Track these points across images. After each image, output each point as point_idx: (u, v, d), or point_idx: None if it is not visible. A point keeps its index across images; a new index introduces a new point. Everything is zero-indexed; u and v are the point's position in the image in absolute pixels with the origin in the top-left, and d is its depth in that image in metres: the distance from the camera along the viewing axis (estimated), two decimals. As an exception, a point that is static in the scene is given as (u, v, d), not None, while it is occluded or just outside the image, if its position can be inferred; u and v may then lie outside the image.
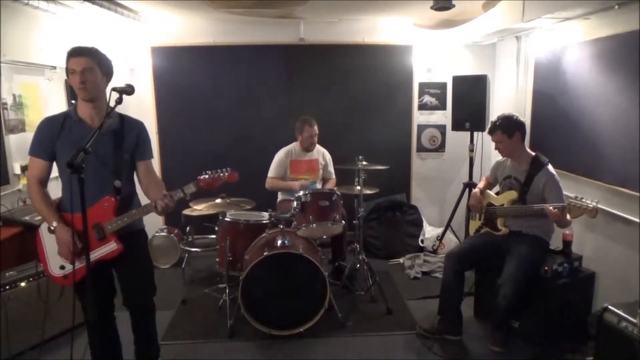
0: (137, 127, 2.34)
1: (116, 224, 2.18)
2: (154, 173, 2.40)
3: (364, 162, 3.55)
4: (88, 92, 2.12)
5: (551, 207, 2.73)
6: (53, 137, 2.17)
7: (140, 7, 4.13)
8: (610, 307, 2.41)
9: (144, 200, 2.38)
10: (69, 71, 2.13)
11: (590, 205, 2.58)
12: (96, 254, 2.17)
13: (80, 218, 2.02)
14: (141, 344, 2.49)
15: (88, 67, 2.10)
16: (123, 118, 2.32)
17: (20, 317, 2.80)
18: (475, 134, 4.30)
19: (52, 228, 2.17)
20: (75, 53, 2.12)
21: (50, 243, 2.23)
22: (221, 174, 2.31)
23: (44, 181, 2.23)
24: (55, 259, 2.24)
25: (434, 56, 4.85)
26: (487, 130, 3.31)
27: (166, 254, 4.36)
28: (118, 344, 2.49)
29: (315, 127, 4.03)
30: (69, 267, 2.17)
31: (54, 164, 2.24)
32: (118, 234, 2.21)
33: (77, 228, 2.11)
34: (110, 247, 2.19)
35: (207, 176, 2.29)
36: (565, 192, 2.91)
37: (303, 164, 4.12)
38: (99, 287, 2.18)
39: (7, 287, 2.77)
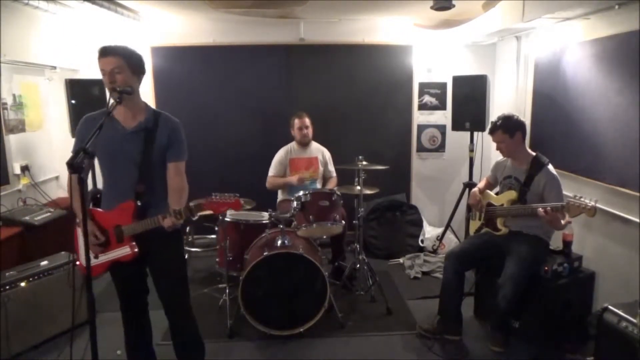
0: (170, 126, 2.30)
1: (132, 229, 2.20)
2: (178, 177, 2.29)
3: (364, 162, 3.55)
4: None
5: (542, 209, 2.71)
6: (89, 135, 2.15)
7: (140, 7, 4.14)
8: (610, 307, 2.41)
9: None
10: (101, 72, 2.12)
11: (589, 204, 2.56)
12: (113, 255, 2.23)
13: (107, 216, 2.22)
14: (179, 347, 2.48)
15: (117, 67, 2.09)
16: (158, 116, 2.29)
17: (20, 317, 2.80)
18: (475, 134, 4.30)
19: (77, 221, 2.25)
20: (103, 53, 2.10)
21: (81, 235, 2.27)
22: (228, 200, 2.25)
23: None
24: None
25: (434, 56, 4.86)
26: (487, 130, 3.31)
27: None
28: (149, 332, 2.51)
29: (306, 119, 4.06)
30: (94, 260, 2.22)
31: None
32: (146, 235, 2.20)
33: (101, 225, 2.21)
34: (124, 250, 2.23)
35: (214, 198, 2.24)
36: (564, 192, 2.90)
37: (302, 162, 4.12)
38: (128, 282, 2.33)
39: (7, 287, 2.77)
